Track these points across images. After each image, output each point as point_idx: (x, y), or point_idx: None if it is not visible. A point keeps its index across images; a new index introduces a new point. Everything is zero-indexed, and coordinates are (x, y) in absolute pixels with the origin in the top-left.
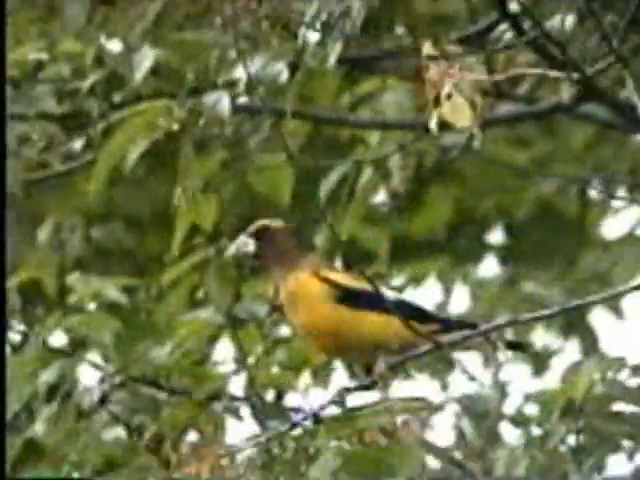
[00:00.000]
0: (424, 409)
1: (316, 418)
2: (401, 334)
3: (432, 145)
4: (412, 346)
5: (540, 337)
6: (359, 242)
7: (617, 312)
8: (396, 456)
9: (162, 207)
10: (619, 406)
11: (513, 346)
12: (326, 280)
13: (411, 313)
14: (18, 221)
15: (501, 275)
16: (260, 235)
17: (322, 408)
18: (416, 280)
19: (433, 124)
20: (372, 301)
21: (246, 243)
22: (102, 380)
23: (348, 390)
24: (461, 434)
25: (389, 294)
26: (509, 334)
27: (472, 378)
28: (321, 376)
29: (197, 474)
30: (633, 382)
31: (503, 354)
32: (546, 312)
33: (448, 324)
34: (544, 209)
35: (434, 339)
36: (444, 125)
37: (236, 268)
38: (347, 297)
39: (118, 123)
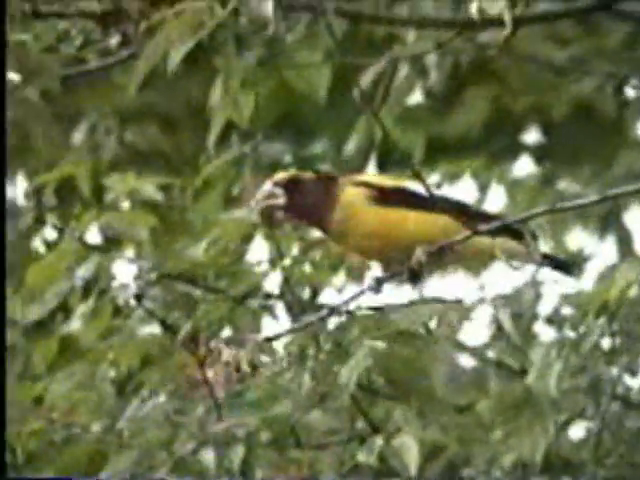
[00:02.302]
0: (459, 310)
1: (349, 312)
2: (447, 229)
3: (470, 43)
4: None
5: (576, 240)
6: (394, 143)
7: None
8: (429, 357)
9: (196, 107)
10: None
11: (555, 264)
12: (363, 184)
13: (452, 207)
14: (54, 120)
15: (536, 175)
16: (291, 186)
17: (356, 297)
18: (451, 179)
19: (474, 10)
20: (412, 197)
21: (275, 194)
22: (138, 276)
23: (384, 279)
24: (498, 331)
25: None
26: (547, 243)
27: (515, 267)
28: (356, 274)
29: (235, 362)
30: None
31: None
32: (584, 200)
33: (489, 217)
34: (581, 109)
35: (477, 228)
36: (482, 23)
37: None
38: (384, 196)
39: (159, 22)
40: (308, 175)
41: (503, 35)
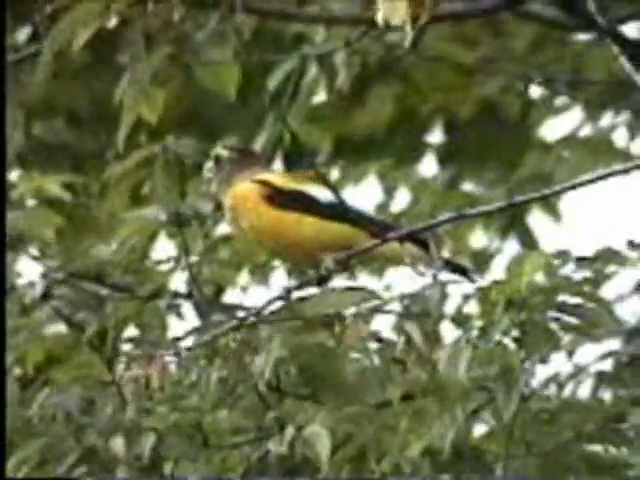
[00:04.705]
0: (369, 299)
1: (259, 315)
2: (345, 237)
3: (378, 43)
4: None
5: (479, 239)
6: (301, 141)
7: (555, 215)
8: (343, 349)
9: (101, 103)
10: (565, 298)
11: (454, 268)
12: (262, 182)
13: (351, 215)
14: None
15: (442, 176)
16: (216, 162)
17: (267, 304)
18: (356, 179)
19: (379, 18)
20: (308, 202)
21: (210, 169)
22: (44, 275)
23: (295, 287)
24: (405, 336)
25: (329, 196)
26: (450, 244)
27: (421, 273)
28: (260, 274)
29: (145, 379)
30: (578, 275)
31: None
32: (490, 207)
33: (388, 228)
34: (486, 109)
35: (382, 235)
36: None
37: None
38: (280, 197)
39: (65, 9)
40: (226, 151)
41: (406, 42)
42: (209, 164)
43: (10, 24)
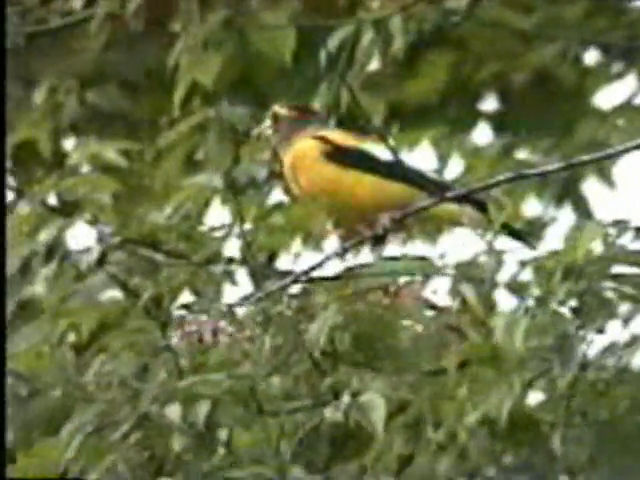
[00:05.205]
0: (425, 268)
1: (311, 278)
2: (404, 197)
3: (434, 8)
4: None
5: (532, 208)
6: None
7: (609, 182)
8: (398, 315)
9: (154, 70)
10: (621, 269)
11: (512, 233)
12: (321, 139)
13: (410, 175)
14: (15, 80)
15: (496, 143)
16: (273, 120)
17: (322, 263)
18: (409, 146)
19: None
20: (368, 160)
21: (267, 126)
22: (100, 240)
23: (352, 245)
24: (460, 300)
25: (388, 155)
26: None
27: (479, 235)
28: (313, 241)
29: (198, 333)
30: (636, 245)
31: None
32: (549, 167)
33: (447, 188)
34: (541, 77)
35: (440, 195)
36: None
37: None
38: (340, 155)
39: None
40: (285, 110)
41: (465, 2)
42: (267, 122)
43: None
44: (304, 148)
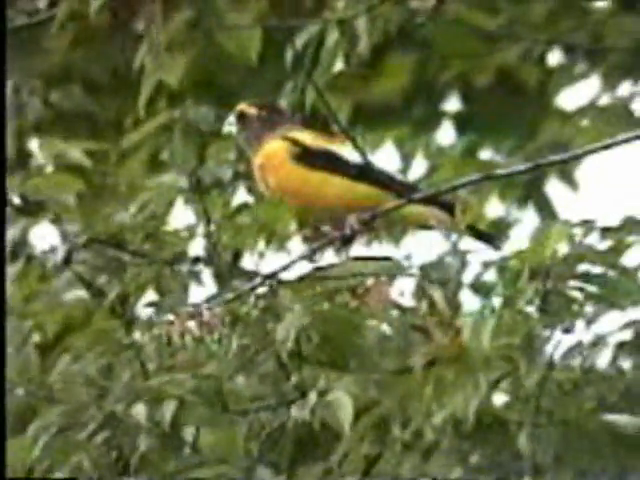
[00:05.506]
0: (391, 269)
1: (278, 280)
2: (371, 198)
3: (400, 8)
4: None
5: (495, 209)
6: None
7: (572, 183)
8: (365, 315)
9: (119, 71)
10: (586, 267)
11: (478, 234)
12: (291, 140)
13: (378, 177)
14: None
15: (459, 144)
16: (240, 118)
17: (291, 264)
18: (373, 146)
19: None
20: (336, 162)
21: (231, 123)
22: (65, 240)
23: (319, 247)
24: (426, 301)
25: (356, 156)
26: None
27: (445, 236)
28: (277, 241)
29: (167, 335)
30: (603, 245)
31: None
32: (517, 168)
33: (414, 190)
34: (504, 77)
35: (407, 195)
36: None
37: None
38: (309, 156)
39: None
40: (250, 109)
41: (431, 3)
42: (231, 119)
43: None
44: (274, 149)
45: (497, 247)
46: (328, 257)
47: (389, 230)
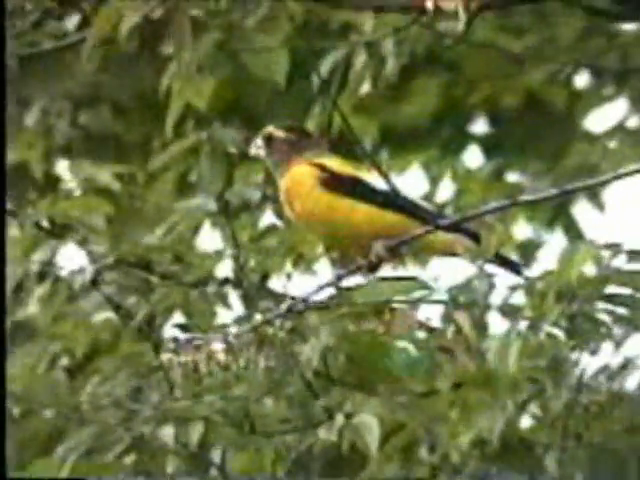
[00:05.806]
0: (419, 289)
1: (306, 302)
2: (397, 226)
3: (427, 31)
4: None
5: (522, 231)
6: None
7: (599, 205)
8: (392, 337)
9: (147, 93)
10: (613, 289)
11: (504, 262)
12: (319, 166)
13: (405, 204)
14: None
15: (487, 166)
16: (267, 141)
17: (318, 290)
18: (400, 169)
19: (429, 4)
20: (363, 188)
21: (258, 146)
22: (94, 261)
23: (346, 274)
24: (454, 325)
25: (383, 184)
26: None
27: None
28: (304, 263)
29: (193, 362)
30: (628, 267)
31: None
32: (544, 194)
33: (441, 218)
34: (532, 100)
35: (433, 224)
36: (439, 11)
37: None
38: (336, 182)
39: None
40: (278, 132)
41: (459, 28)
42: (258, 142)
43: (59, 10)
44: (301, 174)
45: (520, 273)
46: (355, 279)
47: (415, 257)
